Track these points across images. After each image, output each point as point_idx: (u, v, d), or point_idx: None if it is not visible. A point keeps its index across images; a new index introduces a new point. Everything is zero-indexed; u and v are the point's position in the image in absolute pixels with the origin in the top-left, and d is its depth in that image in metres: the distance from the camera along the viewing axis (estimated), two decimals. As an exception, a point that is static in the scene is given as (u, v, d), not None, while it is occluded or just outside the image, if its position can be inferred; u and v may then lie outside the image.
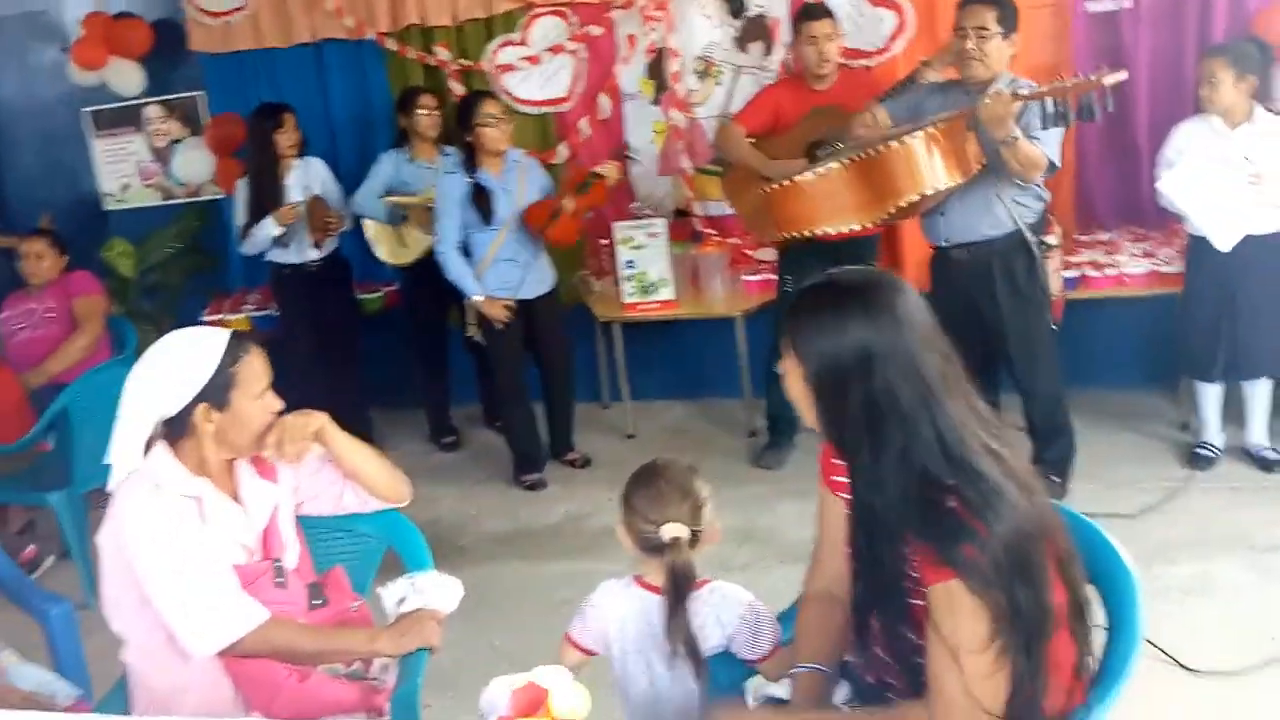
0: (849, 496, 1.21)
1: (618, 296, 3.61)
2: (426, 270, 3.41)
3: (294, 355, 3.36)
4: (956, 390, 1.15)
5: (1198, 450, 3.02)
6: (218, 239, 4.19)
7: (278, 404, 1.55)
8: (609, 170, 3.29)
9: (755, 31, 3.67)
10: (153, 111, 4.30)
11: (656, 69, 3.76)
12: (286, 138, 3.52)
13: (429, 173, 3.53)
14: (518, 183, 3.25)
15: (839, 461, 1.26)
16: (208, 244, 4.30)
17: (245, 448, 1.53)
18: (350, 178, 3.69)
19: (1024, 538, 1.09)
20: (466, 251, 3.26)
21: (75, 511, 2.82)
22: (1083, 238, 3.44)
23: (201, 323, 3.56)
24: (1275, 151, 2.76)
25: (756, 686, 1.43)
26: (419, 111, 3.56)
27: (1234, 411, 3.00)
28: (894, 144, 2.50)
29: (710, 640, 1.41)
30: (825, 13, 3.06)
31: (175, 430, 1.48)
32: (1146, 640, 1.23)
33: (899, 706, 1.17)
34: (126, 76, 4.12)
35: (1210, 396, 2.99)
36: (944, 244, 2.79)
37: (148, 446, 1.49)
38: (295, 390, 1.62)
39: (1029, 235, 2.70)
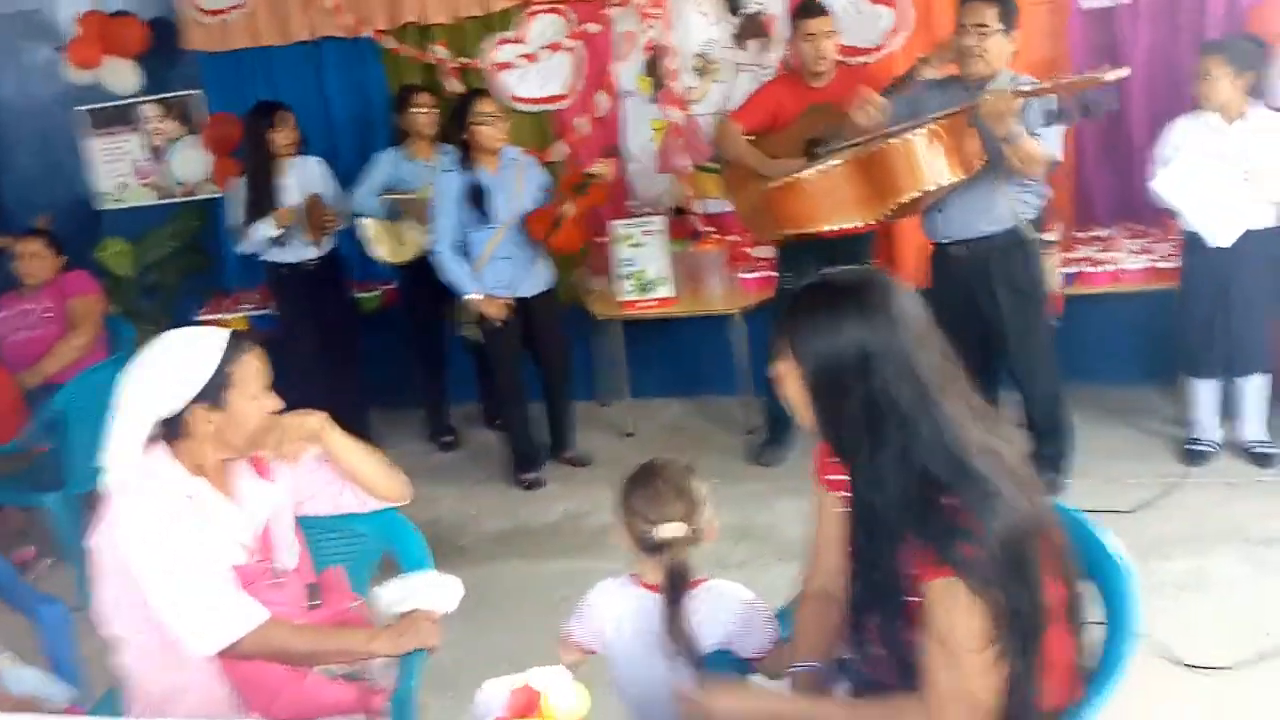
0: (848, 496, 1.22)
1: (615, 295, 3.62)
2: (425, 269, 3.41)
3: (292, 355, 3.35)
4: (954, 388, 1.16)
5: (1193, 446, 3.03)
6: (215, 238, 4.19)
7: (276, 404, 1.54)
8: (603, 169, 3.30)
9: (753, 28, 3.67)
10: (149, 110, 4.29)
11: (654, 66, 3.76)
12: (282, 136, 3.51)
13: (427, 171, 3.53)
14: (515, 181, 3.25)
15: (835, 461, 1.27)
16: (205, 243, 4.29)
17: (243, 448, 1.53)
18: (349, 176, 3.68)
19: (1020, 536, 1.10)
20: (464, 250, 3.26)
21: (71, 513, 2.81)
22: (1080, 234, 3.45)
23: (199, 322, 3.56)
24: (1271, 147, 2.76)
25: (754, 685, 1.44)
26: (415, 110, 3.56)
27: (1229, 406, 3.01)
28: (895, 141, 2.50)
29: (708, 639, 1.41)
30: (821, 10, 3.06)
31: (173, 430, 1.48)
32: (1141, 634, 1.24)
33: (897, 699, 1.17)
34: (122, 75, 4.11)
35: (1205, 392, 2.99)
36: (943, 240, 2.79)
37: (145, 447, 1.48)
38: (293, 390, 1.62)
39: (1028, 232, 2.71)
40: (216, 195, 4.15)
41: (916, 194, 2.54)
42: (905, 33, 3.46)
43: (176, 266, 4.26)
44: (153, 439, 1.49)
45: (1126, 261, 3.23)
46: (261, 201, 3.49)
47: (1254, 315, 2.86)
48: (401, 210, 3.60)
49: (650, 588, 1.43)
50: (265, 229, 3.46)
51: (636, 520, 1.40)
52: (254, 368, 1.51)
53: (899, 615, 1.15)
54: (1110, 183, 3.47)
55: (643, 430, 3.76)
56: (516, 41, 3.83)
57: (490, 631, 2.36)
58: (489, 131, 3.16)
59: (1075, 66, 3.22)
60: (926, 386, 1.13)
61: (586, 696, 1.17)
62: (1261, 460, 2.94)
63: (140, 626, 1.46)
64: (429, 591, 1.59)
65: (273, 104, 3.56)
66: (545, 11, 3.79)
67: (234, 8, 3.95)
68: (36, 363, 3.24)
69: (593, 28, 3.74)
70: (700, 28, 3.71)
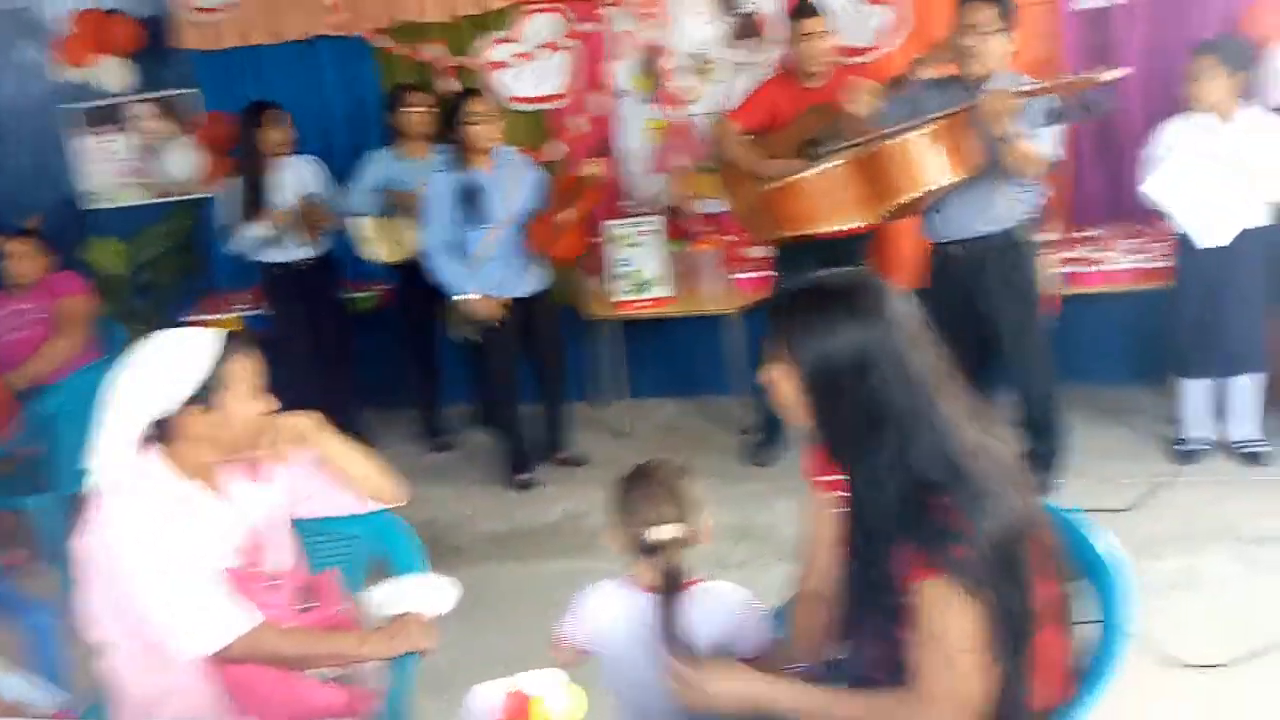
0: (844, 496, 1.22)
1: (611, 295, 3.61)
2: (419, 269, 3.39)
3: (286, 355, 3.33)
4: (948, 389, 1.16)
5: (1184, 445, 3.04)
6: (208, 238, 4.17)
7: (270, 405, 1.53)
8: (595, 169, 3.30)
9: (748, 28, 3.67)
10: (141, 109, 4.27)
11: (650, 66, 3.76)
12: (276, 136, 3.50)
13: (420, 170, 3.51)
14: (510, 180, 3.24)
15: (829, 462, 1.27)
16: (198, 243, 4.27)
17: (236, 449, 1.52)
18: (342, 176, 3.66)
19: (1012, 537, 1.10)
20: (458, 250, 3.24)
21: (60, 516, 2.79)
22: (1073, 234, 3.46)
23: (191, 323, 3.55)
24: (1264, 147, 2.78)
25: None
26: (408, 109, 3.55)
27: (1220, 406, 3.02)
28: (895, 141, 2.50)
29: (703, 640, 1.41)
30: (817, 10, 3.06)
31: (165, 432, 1.47)
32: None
33: (890, 692, 1.16)
34: (113, 74, 4.09)
35: (1196, 392, 3.01)
36: (941, 240, 2.79)
37: (136, 448, 1.47)
38: (287, 391, 1.61)
39: (1026, 232, 2.71)
40: (209, 195, 4.14)
41: (916, 194, 2.54)
42: (902, 33, 3.47)
43: (169, 266, 4.24)
44: (145, 440, 1.48)
45: (1119, 261, 3.24)
46: (255, 201, 3.47)
47: (1246, 315, 2.87)
48: (396, 206, 3.59)
49: (645, 589, 1.43)
50: (256, 229, 3.45)
51: (631, 522, 1.40)
52: (247, 368, 1.50)
53: (893, 615, 1.15)
54: (1103, 183, 3.48)
55: (639, 430, 3.76)
56: (512, 40, 3.83)
57: (486, 633, 2.36)
58: (482, 131, 3.15)
59: (1069, 67, 3.23)
60: (922, 387, 1.13)
61: (583, 699, 1.17)
62: (1253, 459, 2.95)
63: (128, 630, 1.45)
64: (422, 594, 1.58)
65: (266, 103, 3.55)
66: (541, 10, 3.78)
67: (227, 6, 3.94)
68: (25, 364, 3.22)
69: (589, 27, 3.74)
70: (696, 27, 3.70)
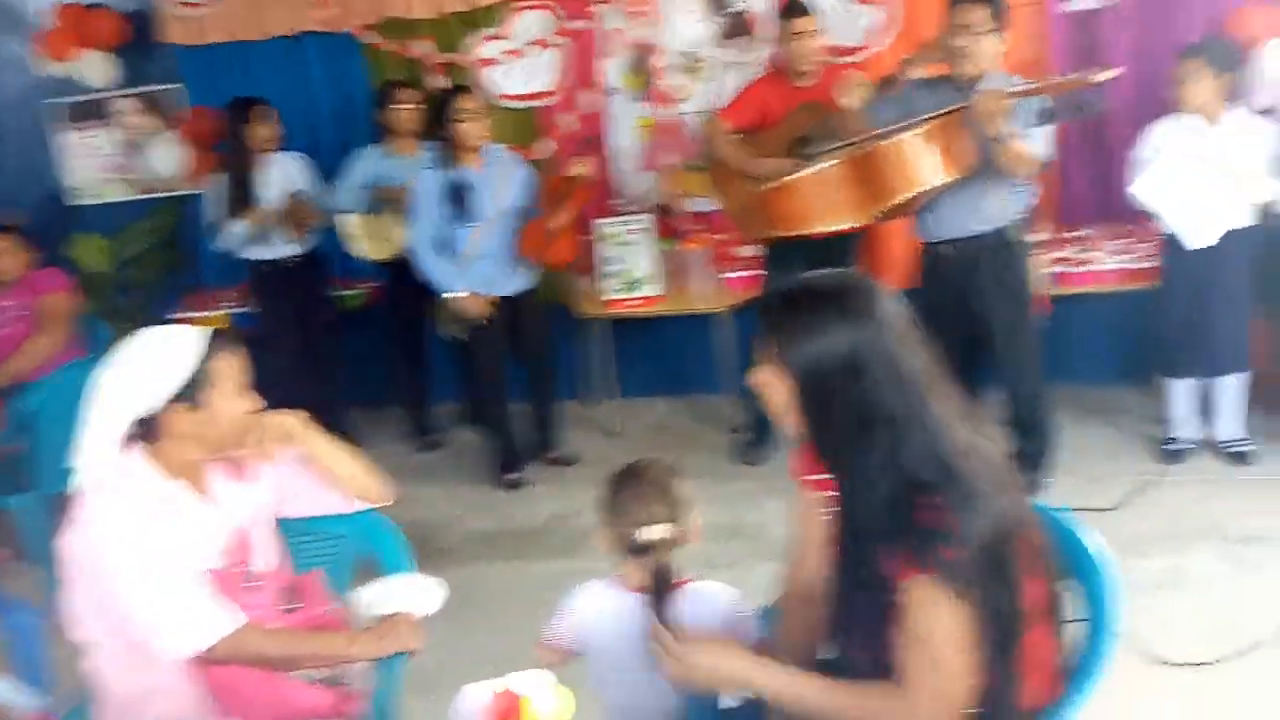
0: (835, 495, 1.22)
1: (601, 293, 3.60)
2: (408, 267, 3.37)
3: (273, 353, 3.30)
4: (939, 389, 1.16)
5: (1171, 445, 3.06)
6: (193, 235, 4.13)
7: (255, 403, 1.52)
8: (582, 169, 3.29)
9: (738, 27, 3.67)
10: (125, 104, 4.23)
11: (641, 64, 3.75)
12: (263, 132, 3.47)
13: (409, 168, 3.49)
14: (499, 178, 3.23)
15: (819, 462, 1.26)
16: (183, 240, 4.23)
17: (221, 448, 1.51)
18: (330, 173, 3.64)
19: (1000, 537, 1.10)
20: (446, 248, 3.23)
21: (41, 515, 2.76)
22: (1061, 234, 3.47)
23: (177, 320, 3.51)
24: (1250, 149, 2.80)
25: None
26: (397, 106, 3.53)
27: (1206, 406, 3.04)
28: (889, 142, 2.51)
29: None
30: (807, 10, 3.07)
31: (149, 430, 1.45)
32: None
33: (876, 686, 1.15)
34: (97, 68, 4.04)
35: (1182, 391, 3.03)
36: (933, 240, 2.80)
37: (120, 446, 1.46)
38: (273, 389, 1.59)
39: (1018, 232, 2.72)
40: (194, 191, 4.10)
41: (911, 195, 2.54)
42: (891, 32, 3.48)
43: (153, 263, 4.19)
44: (130, 439, 1.46)
45: (1106, 262, 3.25)
46: (241, 198, 3.44)
47: (1231, 315, 2.89)
48: (384, 203, 3.56)
49: (633, 590, 1.42)
50: (241, 226, 3.42)
51: (620, 522, 1.40)
52: (234, 366, 1.49)
53: (882, 615, 1.15)
54: (1090, 183, 3.50)
55: (629, 429, 3.75)
56: (502, 37, 3.81)
57: (474, 633, 2.35)
58: (471, 128, 3.14)
59: (1057, 68, 3.25)
60: (914, 387, 1.13)
61: (570, 700, 1.16)
62: (1239, 459, 2.98)
63: (110, 630, 1.43)
64: (409, 594, 1.57)
65: (253, 99, 3.52)
66: (531, 8, 3.77)
67: (213, 1, 3.90)
68: (6, 361, 3.18)
69: (579, 24, 3.73)
70: (686, 26, 3.70)
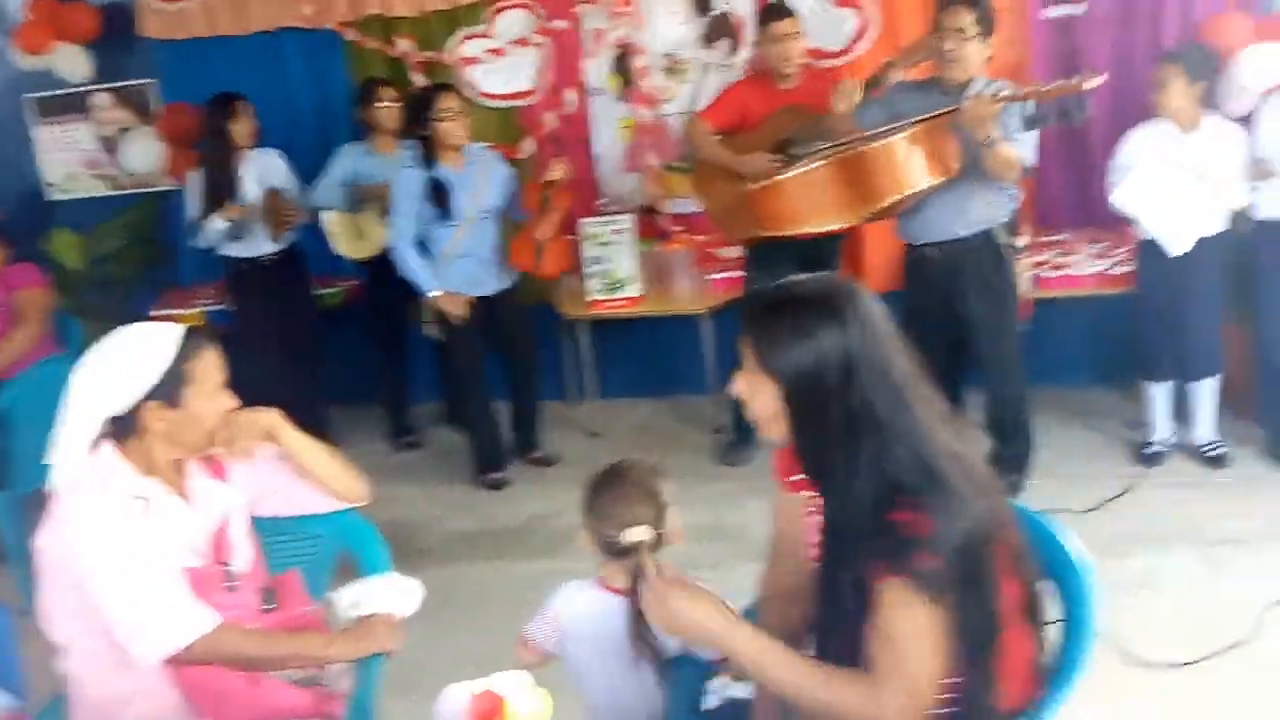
0: (818, 499, 1.22)
1: (583, 294, 3.59)
2: (388, 265, 3.35)
3: (249, 351, 3.26)
4: (922, 392, 1.16)
5: (1149, 448, 3.10)
6: (169, 231, 4.08)
7: (232, 402, 1.51)
8: (558, 173, 3.29)
9: (721, 29, 3.67)
10: (101, 99, 4.16)
11: (623, 64, 3.75)
12: (241, 128, 3.43)
13: (390, 166, 3.46)
14: (480, 177, 3.21)
15: (801, 466, 1.26)
16: (159, 237, 4.17)
17: (197, 447, 1.49)
18: (309, 170, 3.60)
19: (978, 541, 1.11)
20: (425, 247, 3.21)
21: (14, 514, 2.71)
22: (1039, 238, 3.50)
23: (153, 317, 3.46)
24: (1226, 155, 2.83)
25: (719, 687, 1.43)
26: (378, 104, 3.50)
27: (1183, 408, 3.08)
28: (877, 144, 2.52)
29: (672, 642, 1.40)
30: (788, 12, 3.07)
31: (123, 428, 1.44)
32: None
33: (848, 674, 1.15)
34: (73, 62, 3.98)
35: (1160, 395, 3.06)
36: (917, 243, 2.81)
37: (94, 445, 1.44)
38: (251, 388, 1.58)
39: (1002, 235, 2.74)
40: (171, 187, 4.05)
41: (897, 197, 2.56)
42: (871, 36, 3.49)
43: (128, 260, 4.13)
44: (105, 437, 1.44)
45: (1084, 266, 3.28)
46: (219, 194, 3.40)
47: (1205, 319, 2.92)
48: (363, 201, 3.53)
49: (615, 591, 1.41)
50: (219, 223, 3.38)
51: (602, 524, 1.39)
52: (210, 364, 1.48)
53: (861, 616, 1.15)
54: (1068, 188, 3.53)
55: (611, 430, 3.74)
56: (484, 36, 3.79)
57: (454, 634, 2.33)
58: (451, 127, 3.12)
59: (1038, 74, 3.28)
60: (898, 390, 1.14)
61: (549, 701, 1.15)
62: (1216, 462, 3.01)
63: (86, 630, 1.41)
64: (388, 594, 1.56)
65: (231, 95, 3.48)
66: (513, 7, 3.75)
67: (191, -6, 3.86)
68: (-20, 358, 3.12)
69: (561, 24, 3.72)
70: (669, 27, 3.70)
